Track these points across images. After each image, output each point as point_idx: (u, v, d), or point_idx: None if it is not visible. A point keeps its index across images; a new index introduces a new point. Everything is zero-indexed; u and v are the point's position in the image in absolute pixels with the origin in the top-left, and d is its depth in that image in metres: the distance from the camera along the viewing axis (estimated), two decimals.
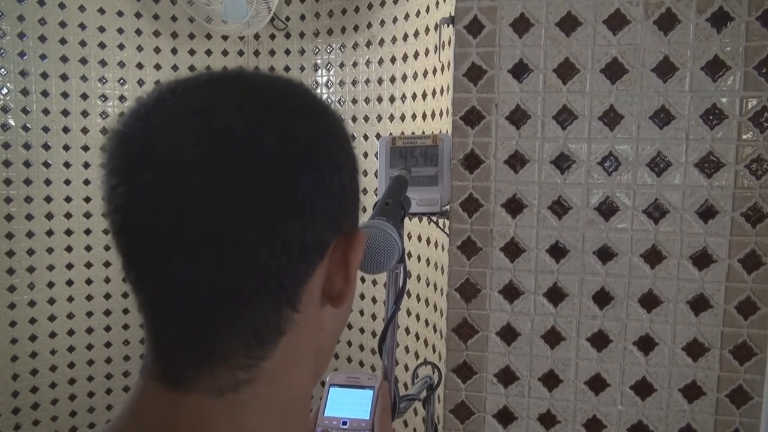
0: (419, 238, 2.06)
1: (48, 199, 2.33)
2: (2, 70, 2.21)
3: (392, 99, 2.25)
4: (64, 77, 2.33)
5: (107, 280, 2.47)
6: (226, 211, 0.34)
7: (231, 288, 0.35)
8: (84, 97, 2.38)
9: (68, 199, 2.37)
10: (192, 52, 2.55)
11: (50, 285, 2.36)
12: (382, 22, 2.25)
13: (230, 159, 0.34)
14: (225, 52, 2.58)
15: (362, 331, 2.43)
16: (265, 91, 0.38)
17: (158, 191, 0.34)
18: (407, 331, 2.14)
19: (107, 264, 2.46)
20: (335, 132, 0.40)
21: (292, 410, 0.41)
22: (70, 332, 2.42)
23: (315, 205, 0.37)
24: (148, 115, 0.36)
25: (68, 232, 2.38)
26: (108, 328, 2.49)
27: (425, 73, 2.03)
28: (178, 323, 0.36)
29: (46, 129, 2.31)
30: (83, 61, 2.36)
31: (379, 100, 2.31)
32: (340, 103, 2.46)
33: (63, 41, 2.32)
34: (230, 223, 0.34)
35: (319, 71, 2.52)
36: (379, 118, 2.31)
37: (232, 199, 0.34)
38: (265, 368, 0.38)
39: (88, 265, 2.44)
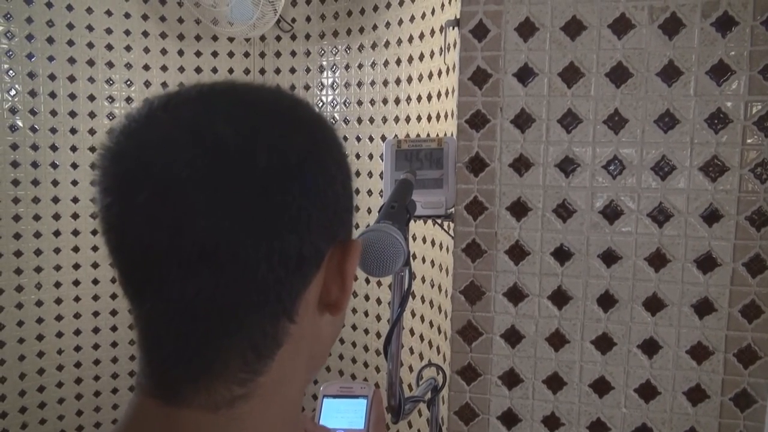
0: (424, 240, 2.07)
1: (55, 200, 2.35)
2: (10, 71, 2.23)
3: (398, 101, 2.25)
4: (71, 79, 2.35)
5: (114, 281, 2.47)
6: (223, 228, 0.34)
7: (229, 303, 0.35)
8: (91, 98, 2.40)
9: (75, 200, 2.39)
10: (198, 54, 2.56)
11: (57, 285, 2.38)
12: (388, 24, 2.26)
13: (224, 175, 0.34)
14: (231, 54, 2.59)
15: (366, 332, 2.43)
16: (257, 105, 0.38)
17: (154, 210, 0.34)
18: (412, 332, 2.14)
19: (114, 264, 2.47)
20: (328, 143, 0.41)
21: (285, 425, 0.41)
22: (77, 332, 2.43)
23: (310, 217, 0.37)
24: (139, 131, 0.36)
25: (75, 233, 2.40)
26: (114, 328, 2.51)
27: (431, 75, 2.03)
28: (177, 338, 0.36)
29: (53, 130, 2.33)
30: (90, 62, 2.38)
31: (385, 102, 2.31)
32: (345, 105, 2.47)
33: (70, 43, 2.33)
34: (227, 239, 0.34)
35: (325, 73, 2.53)
36: (385, 120, 2.32)
37: (227, 215, 0.34)
38: (260, 383, 0.38)
39: (95, 265, 2.45)
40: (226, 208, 0.34)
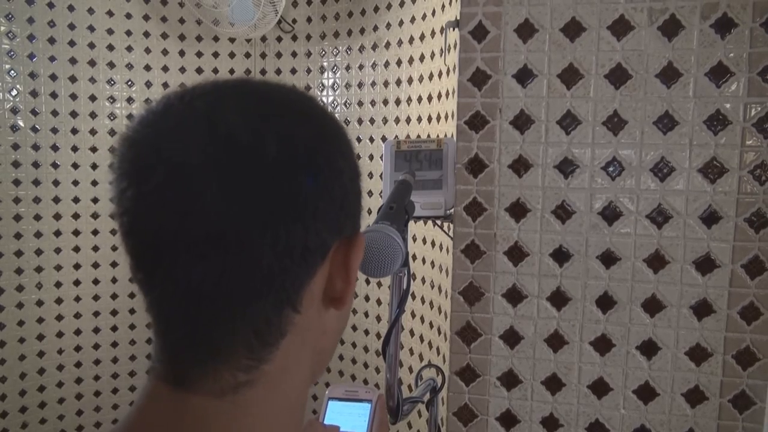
0: (424, 241, 2.07)
1: (56, 200, 2.36)
2: (12, 71, 2.24)
3: (398, 102, 2.26)
4: (72, 79, 2.35)
5: (114, 281, 2.49)
6: (230, 214, 0.35)
7: (234, 288, 0.36)
8: (92, 98, 2.40)
9: (76, 200, 2.40)
10: (199, 54, 2.56)
11: (58, 285, 2.38)
12: (389, 25, 2.26)
13: (234, 163, 0.35)
14: (232, 55, 2.59)
15: (366, 332, 2.43)
16: (268, 99, 0.40)
17: (165, 194, 0.35)
18: (411, 333, 2.15)
19: (114, 264, 2.48)
20: (335, 137, 0.42)
21: (289, 415, 0.42)
22: (77, 332, 2.44)
23: (317, 208, 0.38)
24: (156, 121, 0.38)
25: (76, 233, 2.41)
26: (114, 328, 2.51)
27: (431, 76, 2.03)
28: (184, 323, 0.38)
29: (54, 130, 2.33)
30: (92, 63, 2.39)
31: (385, 102, 2.32)
32: (345, 106, 2.47)
33: (72, 43, 2.34)
34: (234, 225, 0.35)
35: (325, 74, 2.53)
36: (385, 121, 2.32)
37: (235, 201, 0.35)
38: (265, 371, 0.39)
39: (96, 265, 2.46)
40: (234, 195, 0.35)
